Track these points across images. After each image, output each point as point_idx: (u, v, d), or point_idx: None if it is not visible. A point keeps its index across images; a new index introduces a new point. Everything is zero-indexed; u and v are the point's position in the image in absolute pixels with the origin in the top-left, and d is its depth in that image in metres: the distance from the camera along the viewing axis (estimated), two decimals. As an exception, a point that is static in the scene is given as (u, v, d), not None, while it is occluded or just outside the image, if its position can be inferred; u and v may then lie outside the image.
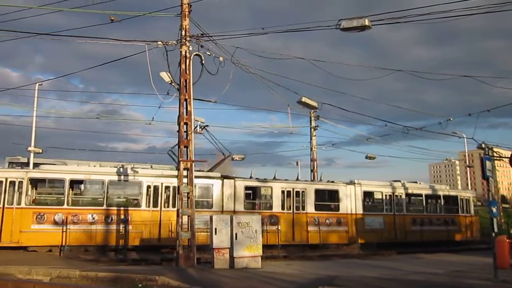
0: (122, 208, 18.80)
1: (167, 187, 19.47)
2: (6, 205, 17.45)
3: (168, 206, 19.31)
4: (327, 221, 22.35)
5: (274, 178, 22.31)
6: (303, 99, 16.93)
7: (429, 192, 27.31)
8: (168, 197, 19.52)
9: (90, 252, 18.10)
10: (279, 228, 20.78)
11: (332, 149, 32.91)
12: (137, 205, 19.14)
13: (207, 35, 14.06)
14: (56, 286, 11.17)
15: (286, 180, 22.58)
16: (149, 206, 19.11)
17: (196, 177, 18.74)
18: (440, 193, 27.49)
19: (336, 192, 23.21)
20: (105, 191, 18.66)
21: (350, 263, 16.85)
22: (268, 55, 15.35)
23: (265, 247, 15.71)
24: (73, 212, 17.94)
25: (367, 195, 24.64)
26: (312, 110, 26.07)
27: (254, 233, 13.61)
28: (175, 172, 18.78)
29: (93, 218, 18.08)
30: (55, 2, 13.93)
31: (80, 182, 19.55)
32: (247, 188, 21.29)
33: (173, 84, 14.19)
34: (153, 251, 18.47)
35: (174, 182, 18.35)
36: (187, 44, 13.93)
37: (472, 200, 28.84)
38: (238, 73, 15.08)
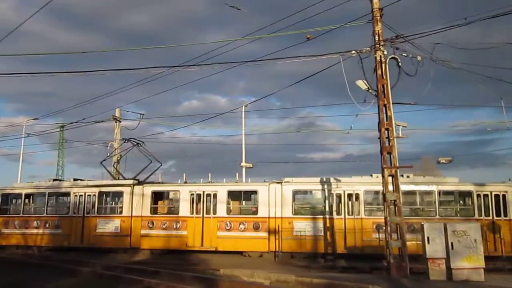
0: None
1: (88, 196, 22.58)
2: None
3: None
4: None
5: (185, 182, 21.95)
6: (522, 89, 14.72)
7: (411, 187, 19.15)
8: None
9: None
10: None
11: None
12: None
13: (402, 36, 13.55)
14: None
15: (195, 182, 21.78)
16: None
17: (104, 185, 22.72)
18: (433, 188, 19.07)
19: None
20: (46, 202, 23.41)
21: None
22: (467, 46, 14.03)
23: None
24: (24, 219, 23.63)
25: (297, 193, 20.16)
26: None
27: (473, 242, 12.35)
28: (100, 182, 23.23)
29: (37, 224, 23.14)
30: (253, 32, 15.47)
31: (31, 195, 24.14)
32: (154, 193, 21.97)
33: (370, 91, 14.05)
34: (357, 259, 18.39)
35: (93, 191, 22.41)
36: (382, 48, 13.64)
37: (510, 196, 18.78)
38: (435, 70, 14.06)
